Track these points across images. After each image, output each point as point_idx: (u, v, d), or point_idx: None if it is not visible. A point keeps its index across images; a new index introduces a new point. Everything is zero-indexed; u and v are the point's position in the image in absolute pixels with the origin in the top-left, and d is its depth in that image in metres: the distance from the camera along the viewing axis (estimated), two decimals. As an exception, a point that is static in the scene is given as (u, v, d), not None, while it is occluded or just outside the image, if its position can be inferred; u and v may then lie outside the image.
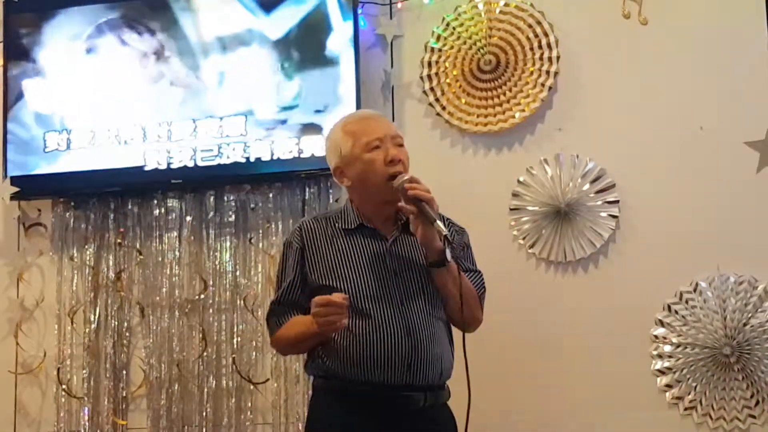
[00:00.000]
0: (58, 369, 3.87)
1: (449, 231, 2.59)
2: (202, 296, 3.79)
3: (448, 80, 3.64)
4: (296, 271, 2.59)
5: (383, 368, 2.45)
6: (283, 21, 3.71)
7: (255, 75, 3.72)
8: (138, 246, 3.89)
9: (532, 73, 3.53)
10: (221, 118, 3.72)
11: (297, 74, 3.68)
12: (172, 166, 3.75)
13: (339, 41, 3.64)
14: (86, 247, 3.92)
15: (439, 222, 2.41)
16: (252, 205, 3.79)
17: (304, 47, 3.68)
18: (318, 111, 3.63)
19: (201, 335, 3.77)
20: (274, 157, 3.65)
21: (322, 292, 2.48)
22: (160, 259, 3.86)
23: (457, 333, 2.59)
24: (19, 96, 3.94)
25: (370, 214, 2.60)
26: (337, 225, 2.61)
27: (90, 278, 3.90)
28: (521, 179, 3.53)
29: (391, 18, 3.74)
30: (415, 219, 2.47)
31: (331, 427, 2.50)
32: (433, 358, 2.49)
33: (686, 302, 3.30)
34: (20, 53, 3.96)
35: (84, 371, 3.86)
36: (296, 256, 2.60)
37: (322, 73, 3.64)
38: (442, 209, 2.69)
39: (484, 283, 2.66)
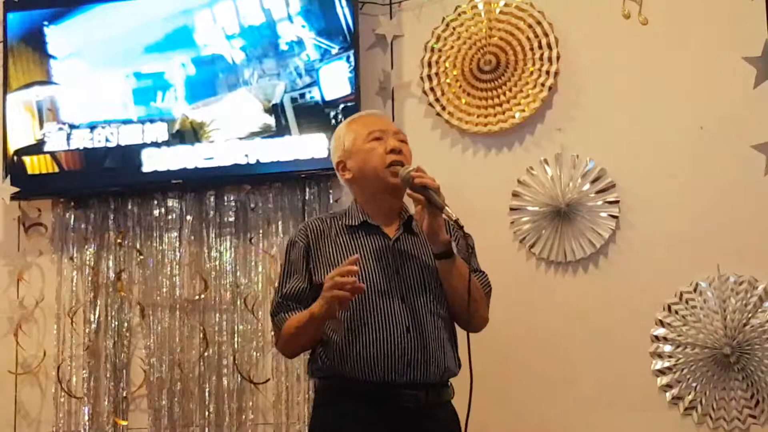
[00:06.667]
0: (58, 369, 3.87)
1: (457, 235, 2.59)
2: (203, 296, 3.79)
3: (448, 80, 3.64)
4: (302, 267, 2.57)
5: (382, 366, 2.43)
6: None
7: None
8: (138, 246, 3.88)
9: (532, 73, 3.53)
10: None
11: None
12: (172, 167, 3.74)
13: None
14: (86, 247, 3.92)
15: (447, 208, 2.41)
16: (252, 206, 3.79)
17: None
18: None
19: (201, 335, 3.77)
20: (274, 158, 3.65)
21: None
22: (160, 259, 3.86)
23: (461, 333, 2.58)
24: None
25: (373, 210, 2.60)
26: (340, 222, 2.61)
27: (90, 278, 3.90)
28: (521, 179, 3.53)
29: (391, 18, 3.74)
30: (421, 209, 2.46)
31: (331, 427, 2.49)
32: (433, 356, 2.47)
33: (686, 302, 3.30)
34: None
35: (84, 371, 3.85)
36: (302, 253, 2.58)
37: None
38: (443, 209, 2.70)
39: (489, 283, 2.65)
